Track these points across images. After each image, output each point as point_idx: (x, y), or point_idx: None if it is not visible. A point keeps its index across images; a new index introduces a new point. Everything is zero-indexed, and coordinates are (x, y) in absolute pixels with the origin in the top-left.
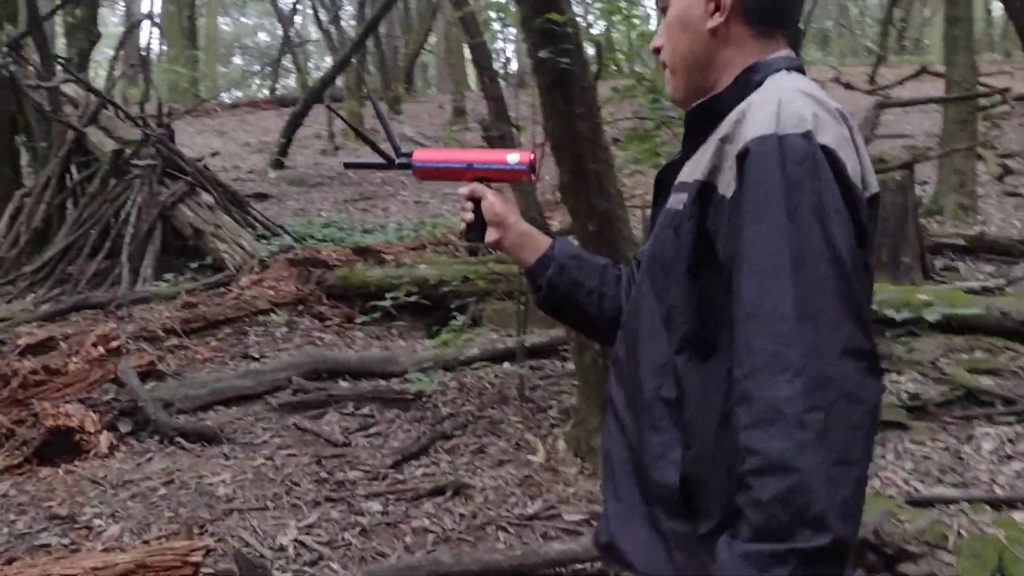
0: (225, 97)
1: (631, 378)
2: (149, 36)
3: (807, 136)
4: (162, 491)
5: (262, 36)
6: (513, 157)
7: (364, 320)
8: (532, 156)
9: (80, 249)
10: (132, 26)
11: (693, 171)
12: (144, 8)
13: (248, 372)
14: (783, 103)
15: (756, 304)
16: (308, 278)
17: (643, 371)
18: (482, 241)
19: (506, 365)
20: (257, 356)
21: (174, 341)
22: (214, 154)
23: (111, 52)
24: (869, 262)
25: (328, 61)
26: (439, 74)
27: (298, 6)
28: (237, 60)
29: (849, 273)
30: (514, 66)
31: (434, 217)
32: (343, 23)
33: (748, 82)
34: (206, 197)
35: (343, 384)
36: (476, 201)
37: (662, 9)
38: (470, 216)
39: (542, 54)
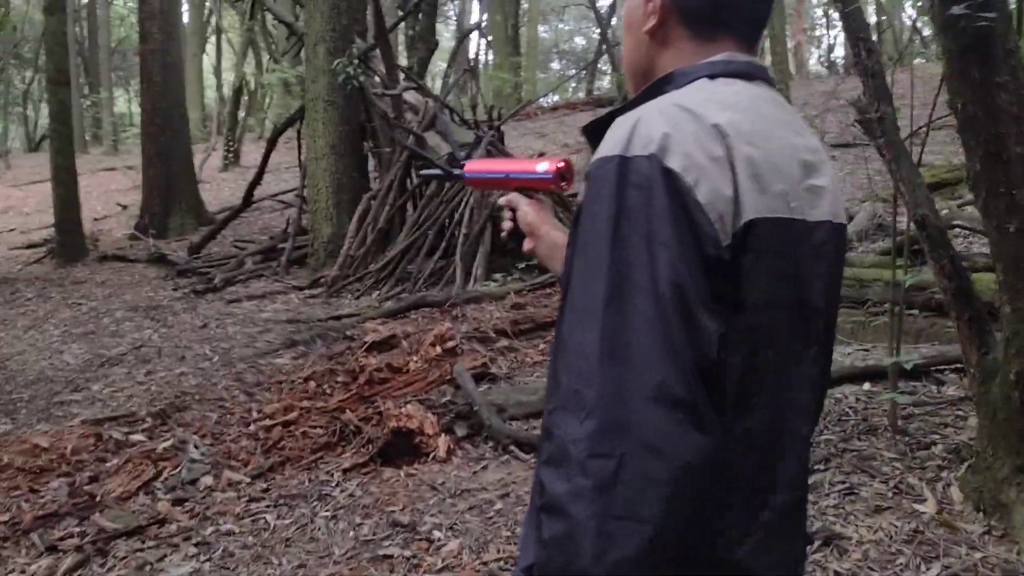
0: (544, 101)
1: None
2: (477, 45)
3: (651, 159)
4: (498, 505)
5: (578, 40)
6: (542, 166)
7: None
8: (561, 165)
9: (419, 249)
10: (464, 35)
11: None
12: (472, 20)
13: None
14: (641, 120)
15: (567, 338)
16: None
17: (549, 390)
18: (521, 248)
19: (867, 386)
20: None
21: (504, 343)
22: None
23: (443, 65)
24: (740, 298)
25: None
26: None
27: (615, 7)
28: (555, 65)
29: (669, 311)
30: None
31: None
32: None
33: (657, 94)
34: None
35: None
36: (513, 210)
37: None
38: (509, 224)
39: (955, 10)
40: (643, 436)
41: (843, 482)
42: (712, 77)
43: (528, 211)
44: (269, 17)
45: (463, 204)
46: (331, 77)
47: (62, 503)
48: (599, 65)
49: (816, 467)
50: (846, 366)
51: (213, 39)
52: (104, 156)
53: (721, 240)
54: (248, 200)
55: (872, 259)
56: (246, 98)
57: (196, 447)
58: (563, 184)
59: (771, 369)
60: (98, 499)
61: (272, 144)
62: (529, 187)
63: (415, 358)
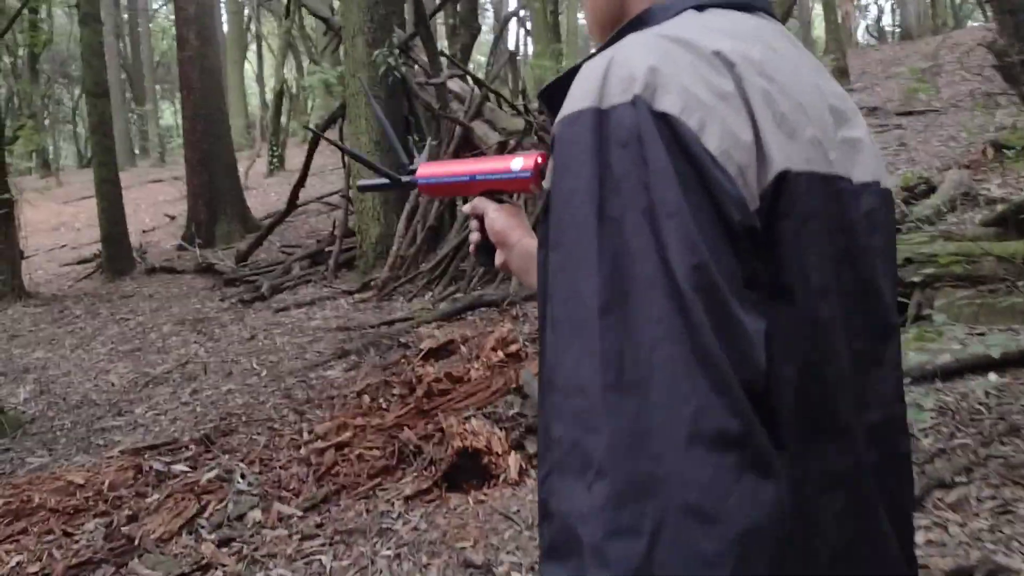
0: None
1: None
2: (517, 34)
3: (635, 103)
4: None
5: None
6: (517, 163)
7: None
8: (540, 159)
9: None
10: (503, 23)
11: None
12: (510, 7)
13: None
14: (616, 61)
15: (554, 369)
16: None
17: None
18: (492, 265)
19: (993, 377)
20: None
21: None
22: None
23: (482, 58)
24: (785, 283)
25: None
26: (800, 38)
27: None
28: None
29: (694, 308)
30: None
31: None
32: None
33: (629, 33)
34: None
35: None
36: (480, 218)
37: None
38: (476, 236)
39: None
40: (682, 496)
41: (993, 497)
42: (700, 8)
43: (497, 217)
44: (308, 19)
45: (517, 194)
46: (371, 70)
47: (97, 548)
48: None
49: (956, 479)
50: (968, 354)
51: (253, 46)
52: (151, 168)
53: (747, 201)
54: (293, 204)
55: (975, 231)
56: (288, 102)
57: (243, 476)
58: (538, 180)
59: (848, 381)
60: (137, 542)
61: (314, 146)
62: (502, 189)
63: (476, 365)
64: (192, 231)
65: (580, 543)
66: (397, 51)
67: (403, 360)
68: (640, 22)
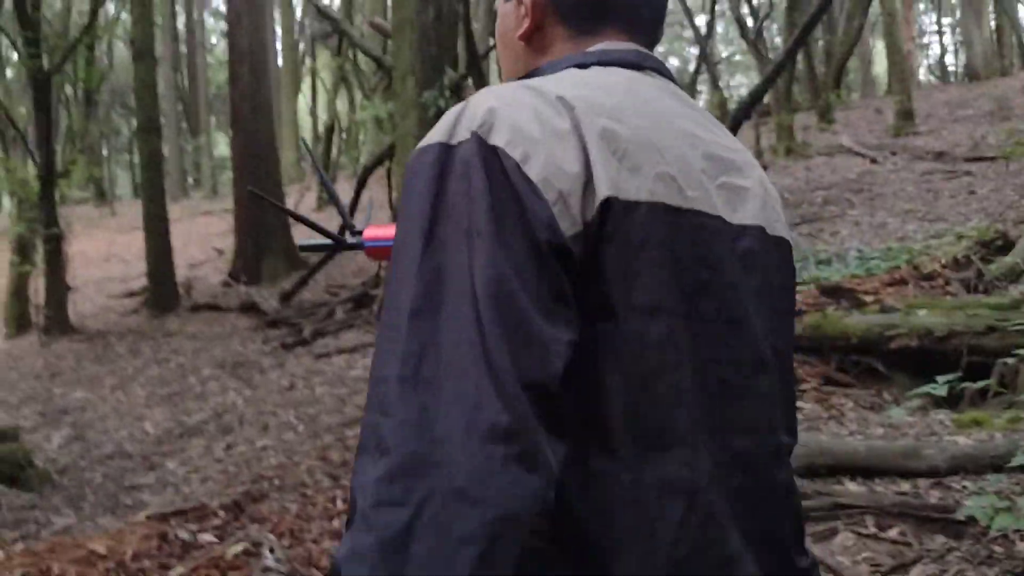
0: None
1: None
2: None
3: (472, 138)
4: None
5: (673, 61)
6: None
7: (846, 381)
8: None
9: None
10: None
11: None
12: None
13: None
14: (469, 103)
15: (373, 365)
16: None
17: None
18: None
19: None
20: None
21: None
22: None
23: None
24: (608, 302)
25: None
26: (860, 77)
27: (715, 22)
28: None
29: (488, 316)
30: None
31: (901, 240)
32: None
33: None
34: None
35: (851, 487)
36: None
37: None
38: None
39: None
40: (450, 476)
41: None
42: (583, 66)
43: None
44: (361, 55)
45: None
46: (421, 111)
47: None
48: (697, 86)
49: None
50: None
51: (307, 80)
52: (203, 200)
53: (562, 226)
54: (338, 243)
55: None
56: (339, 137)
57: (271, 551)
58: None
59: (692, 400)
60: None
61: (362, 183)
62: None
63: None
64: (238, 267)
65: (359, 510)
66: (448, 92)
67: None
68: (529, 77)
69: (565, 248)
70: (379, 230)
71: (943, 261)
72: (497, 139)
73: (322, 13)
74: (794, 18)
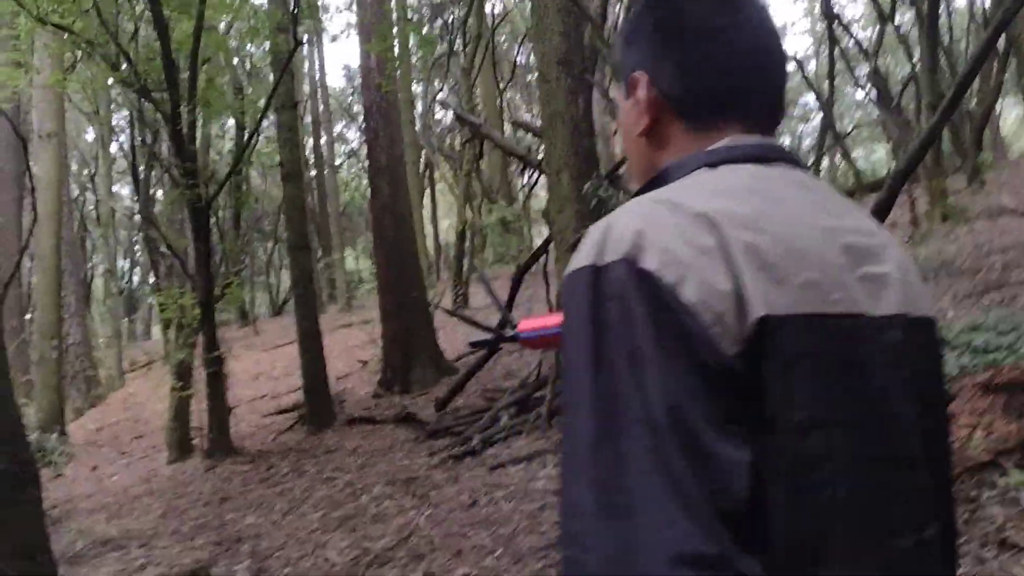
0: None
1: None
2: None
3: (623, 263)
4: None
5: (784, 139)
6: None
7: None
8: None
9: None
10: None
11: None
12: None
13: None
14: (612, 224)
15: (563, 497)
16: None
17: None
18: None
19: None
20: None
21: None
22: None
23: None
24: (768, 417)
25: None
26: (990, 137)
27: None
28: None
29: (670, 444)
30: None
31: None
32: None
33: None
34: None
35: None
36: None
37: None
38: None
39: None
40: None
41: None
42: (713, 166)
43: None
44: (483, 161)
45: None
46: (579, 204)
47: None
48: (821, 162)
49: None
50: None
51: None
52: (340, 313)
53: (723, 347)
54: (494, 347)
55: None
56: (471, 241)
57: None
58: None
59: (851, 509)
60: None
61: (518, 282)
62: None
63: None
64: (387, 377)
65: None
66: (607, 181)
67: None
68: (659, 179)
69: (730, 369)
70: (534, 321)
71: None
72: (649, 263)
73: (462, 119)
74: (935, 80)
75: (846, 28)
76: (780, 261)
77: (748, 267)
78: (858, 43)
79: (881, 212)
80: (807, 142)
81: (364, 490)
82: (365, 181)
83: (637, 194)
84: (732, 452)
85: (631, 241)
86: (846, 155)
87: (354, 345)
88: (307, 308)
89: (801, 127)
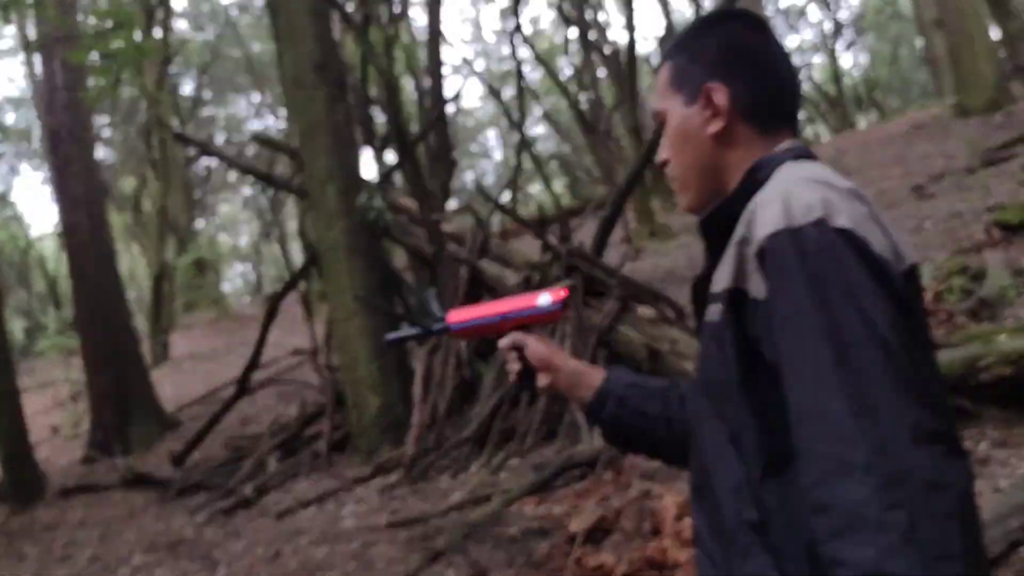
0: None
1: (711, 504)
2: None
3: (820, 223)
4: None
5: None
6: (544, 299)
7: None
8: (565, 293)
9: (516, 398)
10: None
11: (720, 279)
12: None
13: None
14: (790, 195)
15: (806, 409)
16: None
17: (721, 495)
18: (535, 389)
19: None
20: None
21: None
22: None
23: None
24: (924, 334)
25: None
26: None
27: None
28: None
29: (898, 352)
30: None
31: None
32: None
33: (754, 181)
34: (644, 311)
35: None
36: (519, 350)
37: (661, 123)
38: (517, 366)
39: None
40: (923, 477)
41: None
42: (796, 159)
43: (539, 347)
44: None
45: (557, 333)
46: (347, 220)
47: None
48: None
49: None
50: None
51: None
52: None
53: (899, 286)
54: (243, 388)
55: None
56: (169, 286)
57: None
58: (567, 312)
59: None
60: None
61: (271, 317)
62: (531, 323)
63: (667, 542)
64: (100, 437)
65: (865, 521)
66: (377, 192)
67: (553, 551)
68: (755, 171)
69: (908, 304)
70: (464, 313)
71: (928, 297)
72: (843, 223)
73: (185, 139)
74: (635, 109)
75: (540, 59)
76: (890, 227)
77: (886, 229)
78: (554, 76)
79: (607, 227)
80: (490, 178)
81: (119, 563)
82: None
83: (744, 185)
84: (921, 363)
85: (821, 207)
86: (547, 181)
87: (36, 412)
88: (2, 365)
89: (482, 163)
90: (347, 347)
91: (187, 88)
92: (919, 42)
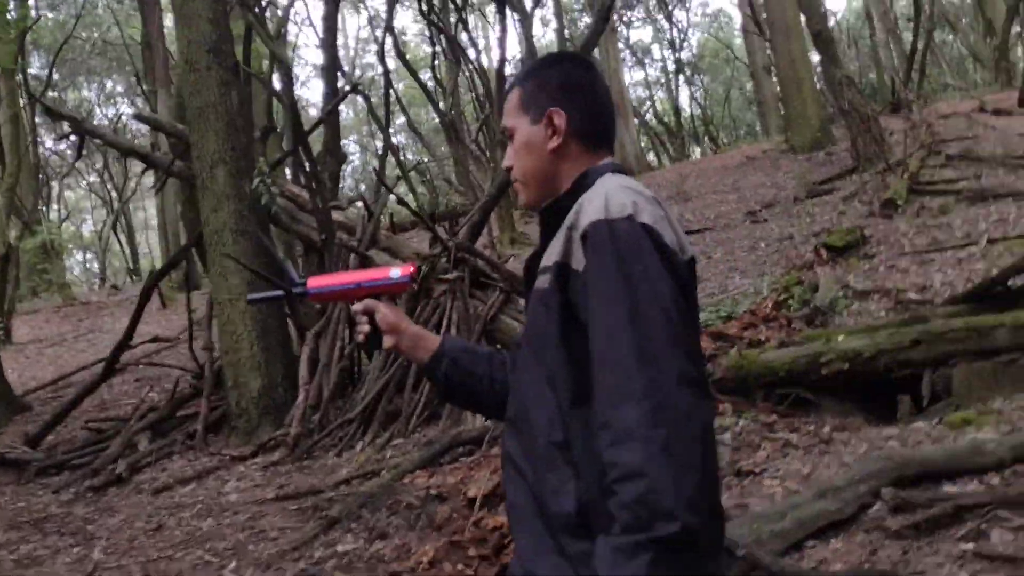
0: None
1: (526, 433)
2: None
3: (630, 219)
4: None
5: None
6: (395, 272)
7: (778, 415)
8: (413, 269)
9: (401, 382)
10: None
11: (550, 256)
12: None
13: (824, 491)
14: (609, 195)
15: (605, 352)
16: None
17: (536, 425)
18: (380, 348)
19: None
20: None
21: None
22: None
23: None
24: (694, 310)
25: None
26: None
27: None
28: None
29: (675, 319)
30: None
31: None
32: None
33: (582, 184)
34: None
35: (953, 489)
36: (370, 314)
37: (508, 137)
38: (367, 328)
39: None
40: (681, 408)
41: None
42: (613, 172)
43: (388, 312)
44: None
45: (444, 322)
46: (237, 203)
47: None
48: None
49: None
50: None
51: None
52: None
53: (682, 272)
54: (111, 368)
55: (945, 310)
56: (15, 268)
57: None
58: (414, 285)
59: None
60: None
61: (147, 297)
62: (382, 292)
63: None
64: None
65: (636, 435)
66: (268, 179)
67: (453, 514)
68: (584, 178)
69: (686, 284)
70: (323, 279)
71: (769, 305)
72: (646, 220)
73: (54, 112)
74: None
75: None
76: (678, 227)
77: (676, 228)
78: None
79: (476, 232)
80: (349, 182)
81: None
82: None
83: (575, 186)
84: (693, 329)
85: (631, 207)
86: (411, 187)
87: None
88: None
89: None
90: (229, 328)
91: (34, 67)
92: (749, 85)
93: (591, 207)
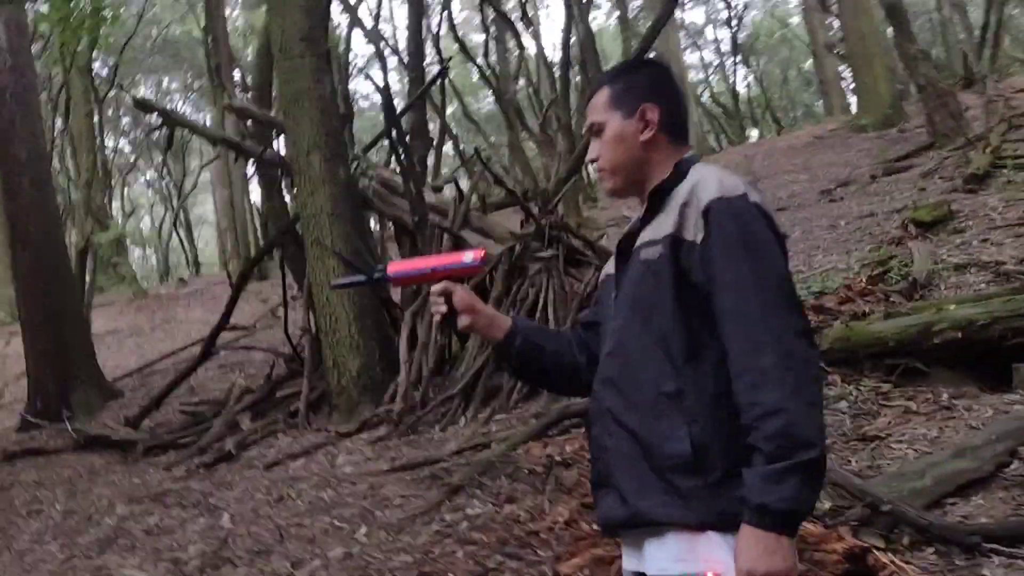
0: None
1: (631, 389)
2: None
3: (743, 197)
4: None
5: None
6: (468, 256)
7: (892, 384)
8: (483, 252)
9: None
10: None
11: (659, 230)
12: None
13: (962, 449)
14: (721, 178)
15: (734, 310)
16: None
17: (645, 381)
18: (457, 328)
19: None
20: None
21: None
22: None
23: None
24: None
25: None
26: None
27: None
28: None
29: (789, 282)
30: None
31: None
32: None
33: (680, 171)
34: None
35: None
36: (447, 296)
37: (596, 132)
38: (444, 308)
39: None
40: (801, 355)
41: None
42: (699, 161)
43: (464, 294)
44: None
45: (540, 302)
46: (332, 187)
47: None
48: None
49: None
50: None
51: None
52: None
53: (783, 243)
54: (208, 351)
55: None
56: (93, 260)
57: None
58: (484, 268)
59: None
60: None
61: (242, 284)
62: (456, 276)
63: None
64: (41, 402)
65: (769, 377)
66: (365, 163)
67: (582, 479)
68: (681, 166)
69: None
70: (402, 264)
71: (863, 280)
72: (755, 199)
73: (147, 106)
74: (568, 105)
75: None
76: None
77: (773, 209)
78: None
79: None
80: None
81: (100, 513)
82: None
83: (675, 173)
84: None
85: (743, 187)
86: (469, 173)
87: None
88: None
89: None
90: (327, 310)
91: (95, 64)
92: (807, 64)
93: (707, 187)
